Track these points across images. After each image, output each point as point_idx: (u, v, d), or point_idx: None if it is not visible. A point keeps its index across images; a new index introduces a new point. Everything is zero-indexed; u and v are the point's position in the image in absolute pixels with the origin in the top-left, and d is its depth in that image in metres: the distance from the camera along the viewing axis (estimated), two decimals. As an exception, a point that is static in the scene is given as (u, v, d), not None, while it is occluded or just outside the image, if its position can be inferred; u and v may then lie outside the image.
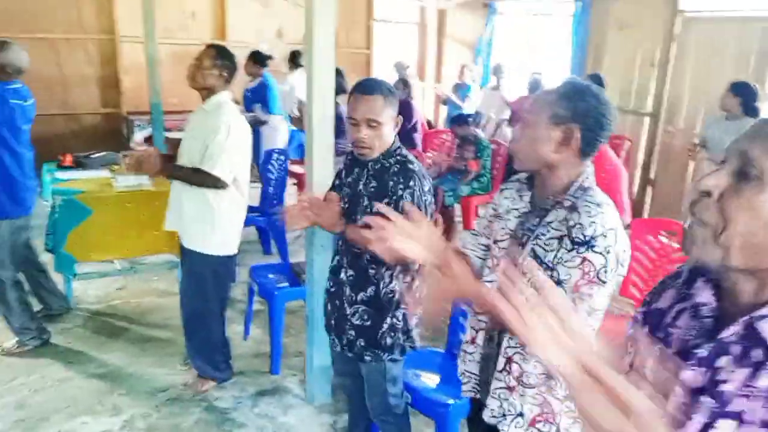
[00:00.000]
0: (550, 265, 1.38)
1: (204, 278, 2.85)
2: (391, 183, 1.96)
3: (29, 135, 3.22)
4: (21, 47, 3.24)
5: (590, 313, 1.36)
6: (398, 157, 2.02)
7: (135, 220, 3.84)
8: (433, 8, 10.05)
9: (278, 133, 5.64)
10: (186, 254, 2.88)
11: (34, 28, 6.47)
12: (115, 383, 3.11)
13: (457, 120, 5.47)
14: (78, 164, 4.33)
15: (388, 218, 1.30)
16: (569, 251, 1.36)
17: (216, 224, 2.75)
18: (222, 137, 2.62)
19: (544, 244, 1.41)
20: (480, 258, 1.65)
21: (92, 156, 4.46)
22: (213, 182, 2.66)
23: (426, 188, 1.99)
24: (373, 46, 9.17)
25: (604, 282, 1.34)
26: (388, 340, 2.09)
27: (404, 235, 1.29)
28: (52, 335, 3.47)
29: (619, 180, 3.17)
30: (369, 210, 1.99)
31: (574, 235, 1.36)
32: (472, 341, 1.63)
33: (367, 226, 1.35)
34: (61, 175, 4.09)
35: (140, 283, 4.27)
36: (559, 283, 1.35)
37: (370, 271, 2.04)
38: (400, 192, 1.94)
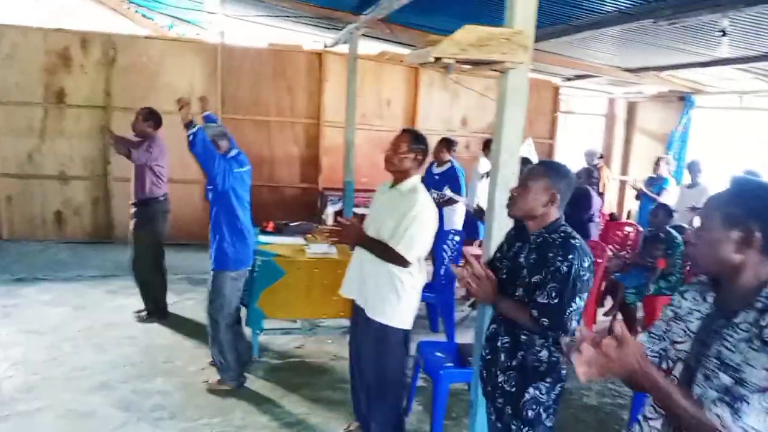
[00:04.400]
0: (737, 366, 1.30)
1: (385, 348, 2.94)
2: (550, 254, 2.03)
3: (249, 198, 3.74)
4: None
5: None
6: (561, 233, 2.09)
7: (319, 284, 4.17)
8: (623, 101, 9.84)
9: (456, 214, 5.79)
10: (367, 323, 2.96)
11: (254, 111, 7.56)
12: (286, 437, 3.31)
13: (658, 211, 5.10)
14: (278, 230, 4.87)
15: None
16: (758, 351, 1.27)
17: (402, 297, 2.86)
18: (413, 218, 2.77)
19: (732, 345, 1.34)
20: (654, 361, 1.57)
21: (290, 224, 4.99)
22: (397, 259, 2.80)
23: (586, 264, 2.02)
24: (558, 136, 9.16)
25: None
26: (530, 413, 2.11)
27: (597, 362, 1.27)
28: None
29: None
30: (527, 281, 2.08)
31: (766, 336, 1.27)
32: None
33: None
34: (263, 238, 4.62)
35: (317, 343, 4.56)
36: (745, 383, 1.26)
37: (522, 336, 2.12)
38: (558, 263, 2.00)
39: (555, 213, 2.13)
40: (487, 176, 6.16)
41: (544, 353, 2.10)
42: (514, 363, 2.14)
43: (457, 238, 4.99)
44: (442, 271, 4.86)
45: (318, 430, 3.40)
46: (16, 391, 3.58)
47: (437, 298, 4.73)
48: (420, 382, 3.71)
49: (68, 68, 6.96)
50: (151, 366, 4.04)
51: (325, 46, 7.57)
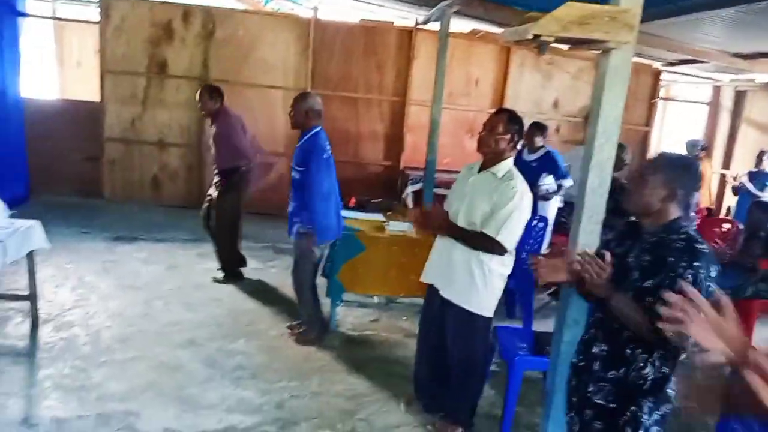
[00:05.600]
0: None
1: (470, 335, 2.94)
2: (671, 259, 1.82)
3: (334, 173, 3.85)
4: (318, 96, 3.91)
5: None
6: (683, 235, 1.87)
7: (397, 262, 4.21)
8: (730, 89, 9.15)
9: (548, 204, 5.55)
10: (450, 308, 2.96)
11: (343, 88, 7.65)
12: (358, 408, 3.39)
13: (755, 208, 4.78)
14: (360, 206, 4.94)
15: (692, 301, 1.22)
16: None
17: (487, 285, 2.84)
18: (514, 206, 2.72)
19: None
20: None
21: (372, 201, 5.04)
22: (494, 247, 2.76)
23: (712, 275, 1.80)
24: (654, 123, 8.68)
25: None
26: None
27: (707, 324, 1.19)
28: (314, 352, 3.95)
29: None
30: (638, 285, 1.88)
31: None
32: None
33: (663, 302, 1.27)
34: (345, 213, 4.69)
35: (391, 319, 4.62)
36: None
37: (627, 351, 1.92)
38: (680, 270, 1.78)
39: (675, 211, 1.93)
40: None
41: (648, 369, 1.90)
42: (610, 375, 1.97)
43: (541, 224, 4.86)
44: (523, 256, 4.76)
45: (388, 403, 3.46)
46: (114, 341, 3.87)
47: (516, 284, 4.63)
48: (493, 367, 3.68)
49: (170, 40, 7.31)
50: (235, 327, 4.25)
51: (416, 24, 7.51)
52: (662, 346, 1.85)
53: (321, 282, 4.21)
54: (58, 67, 9.19)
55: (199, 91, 4.96)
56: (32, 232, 3.84)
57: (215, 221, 5.01)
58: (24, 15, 7.11)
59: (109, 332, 3.99)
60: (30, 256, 3.88)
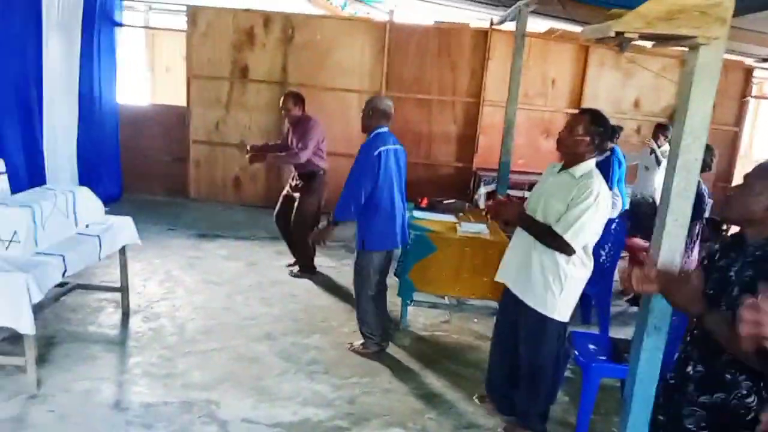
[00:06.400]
0: None
1: (542, 338, 2.90)
2: None
3: (403, 178, 3.82)
4: (386, 98, 3.88)
5: None
6: None
7: (470, 263, 4.19)
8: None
9: (615, 209, 5.42)
10: (524, 311, 2.92)
11: (417, 90, 7.68)
12: (428, 406, 3.40)
13: None
14: (431, 206, 4.95)
15: None
16: None
17: (564, 288, 2.78)
18: (587, 206, 2.65)
19: None
20: None
21: (444, 201, 5.05)
22: (561, 246, 2.70)
23: None
24: (744, 123, 8.18)
25: None
26: None
27: None
28: (385, 350, 3.99)
29: None
30: (737, 302, 1.65)
31: None
32: None
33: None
34: (417, 213, 4.73)
35: (462, 321, 4.61)
36: None
37: (727, 375, 1.73)
38: None
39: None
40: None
41: (752, 399, 1.70)
42: (703, 400, 1.79)
43: (618, 228, 4.69)
44: (601, 260, 4.63)
45: (457, 404, 3.45)
46: (197, 333, 4.08)
47: (593, 289, 4.50)
48: (568, 373, 3.60)
49: (252, 46, 7.61)
50: (309, 323, 4.37)
51: (492, 24, 7.43)
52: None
53: (393, 282, 4.25)
54: (149, 73, 9.77)
55: (283, 98, 5.18)
56: (125, 228, 4.11)
57: (294, 220, 5.18)
58: (120, 25, 7.62)
59: (193, 324, 4.20)
60: (122, 250, 4.16)
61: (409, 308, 4.46)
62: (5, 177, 3.97)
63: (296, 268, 5.37)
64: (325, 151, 5.22)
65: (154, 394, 3.27)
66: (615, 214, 5.56)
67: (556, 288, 2.78)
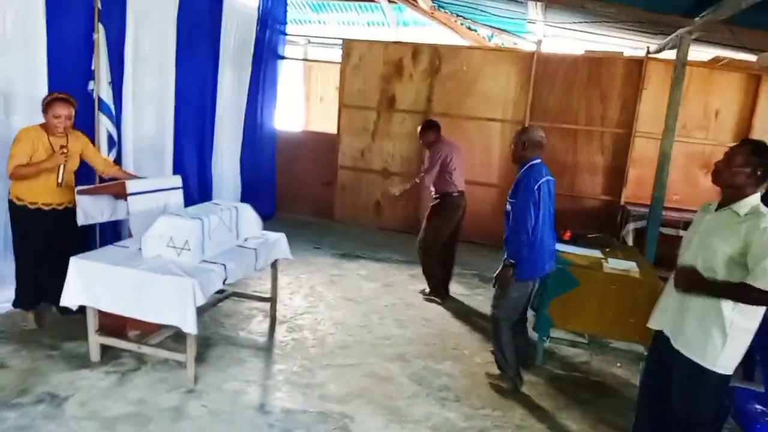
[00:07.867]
0: None
1: (700, 392, 2.63)
2: None
3: (553, 208, 3.75)
4: (539, 128, 3.81)
5: None
6: None
7: (615, 302, 3.95)
8: None
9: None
10: (680, 359, 2.69)
11: (562, 119, 7.48)
12: (563, 449, 3.25)
13: None
14: (574, 239, 4.77)
15: None
16: None
17: (728, 339, 2.52)
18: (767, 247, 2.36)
19: None
20: None
21: (588, 235, 4.84)
22: (761, 298, 2.42)
23: None
24: None
25: None
26: None
27: None
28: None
29: None
30: None
31: None
32: None
33: None
34: (559, 246, 4.56)
35: (603, 363, 4.34)
36: None
37: None
38: None
39: None
40: None
41: None
42: None
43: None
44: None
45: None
46: (336, 347, 4.27)
47: (757, 340, 4.04)
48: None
49: (400, 77, 7.93)
50: (442, 349, 4.39)
51: (648, 52, 7.07)
52: None
53: (530, 315, 4.15)
54: (304, 102, 10.55)
55: (420, 126, 5.44)
56: (279, 243, 4.44)
57: (419, 237, 5.36)
58: (283, 58, 8.34)
59: (332, 338, 4.41)
60: (274, 264, 4.49)
61: (546, 345, 4.31)
62: (181, 192, 4.48)
63: (428, 289, 5.47)
64: (462, 172, 5.29)
65: (294, 402, 3.47)
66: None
67: (718, 338, 2.52)
